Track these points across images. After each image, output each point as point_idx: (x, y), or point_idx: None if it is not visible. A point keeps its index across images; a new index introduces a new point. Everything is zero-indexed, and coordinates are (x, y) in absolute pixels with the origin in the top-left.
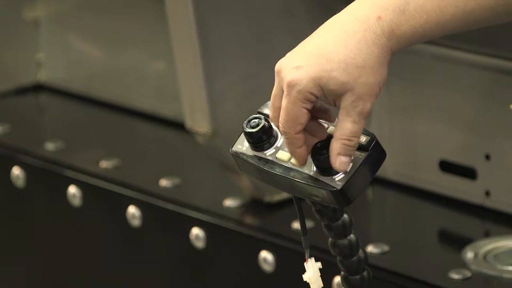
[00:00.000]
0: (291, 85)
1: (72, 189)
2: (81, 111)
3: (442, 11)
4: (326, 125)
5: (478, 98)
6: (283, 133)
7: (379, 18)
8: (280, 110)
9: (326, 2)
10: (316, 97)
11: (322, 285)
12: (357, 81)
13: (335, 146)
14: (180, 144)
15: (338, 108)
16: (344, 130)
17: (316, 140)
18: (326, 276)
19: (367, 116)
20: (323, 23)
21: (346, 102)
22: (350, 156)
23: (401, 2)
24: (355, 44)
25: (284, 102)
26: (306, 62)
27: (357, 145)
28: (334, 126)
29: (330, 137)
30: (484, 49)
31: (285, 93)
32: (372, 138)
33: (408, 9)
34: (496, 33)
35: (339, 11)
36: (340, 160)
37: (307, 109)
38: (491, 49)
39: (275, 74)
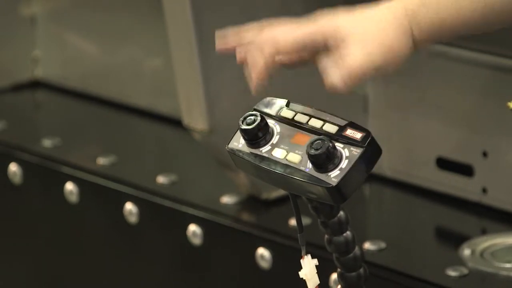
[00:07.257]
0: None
1: (69, 186)
2: (78, 108)
3: (460, 4)
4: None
5: (475, 95)
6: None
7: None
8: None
9: None
10: None
11: (318, 282)
12: None
13: None
14: (177, 141)
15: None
16: None
17: None
18: (322, 273)
19: None
20: None
21: None
22: None
23: None
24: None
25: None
26: None
27: None
28: (330, 123)
29: (326, 134)
30: (481, 47)
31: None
32: (368, 135)
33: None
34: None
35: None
36: None
37: None
38: (488, 47)
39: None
